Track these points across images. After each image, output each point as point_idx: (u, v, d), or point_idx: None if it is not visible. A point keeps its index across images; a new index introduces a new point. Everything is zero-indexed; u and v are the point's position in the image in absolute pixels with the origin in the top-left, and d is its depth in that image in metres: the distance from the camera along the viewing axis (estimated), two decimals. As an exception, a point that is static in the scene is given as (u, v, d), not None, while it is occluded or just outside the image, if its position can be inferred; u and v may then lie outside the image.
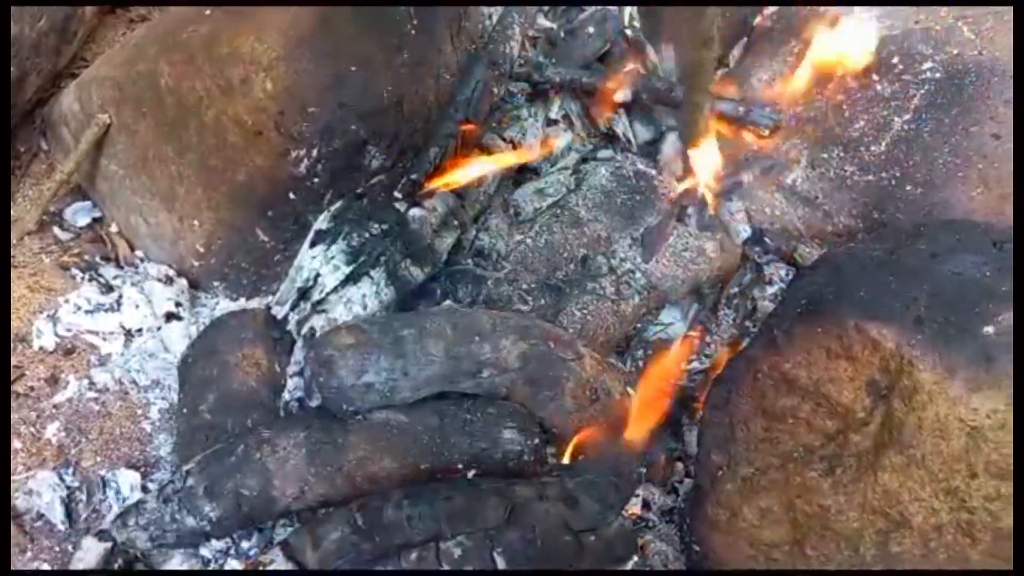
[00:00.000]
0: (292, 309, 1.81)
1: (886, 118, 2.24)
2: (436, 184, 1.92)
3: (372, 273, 1.83)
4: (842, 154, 2.26)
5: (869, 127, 2.25)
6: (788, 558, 1.57)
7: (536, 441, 1.77)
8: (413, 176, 1.86)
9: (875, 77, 2.28)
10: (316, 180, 1.98)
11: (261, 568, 1.55)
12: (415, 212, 1.90)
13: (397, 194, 1.87)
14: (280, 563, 1.54)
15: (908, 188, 2.17)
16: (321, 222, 1.87)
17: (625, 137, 2.33)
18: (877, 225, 2.21)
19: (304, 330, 1.78)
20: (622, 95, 2.28)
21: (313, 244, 1.85)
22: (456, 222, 1.99)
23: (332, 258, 1.82)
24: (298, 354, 1.76)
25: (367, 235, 1.84)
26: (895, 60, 2.28)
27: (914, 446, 1.38)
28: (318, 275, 1.81)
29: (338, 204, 1.89)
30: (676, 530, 1.83)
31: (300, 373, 1.76)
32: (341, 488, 1.66)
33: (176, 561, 1.69)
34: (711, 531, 1.67)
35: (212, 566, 1.69)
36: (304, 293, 1.81)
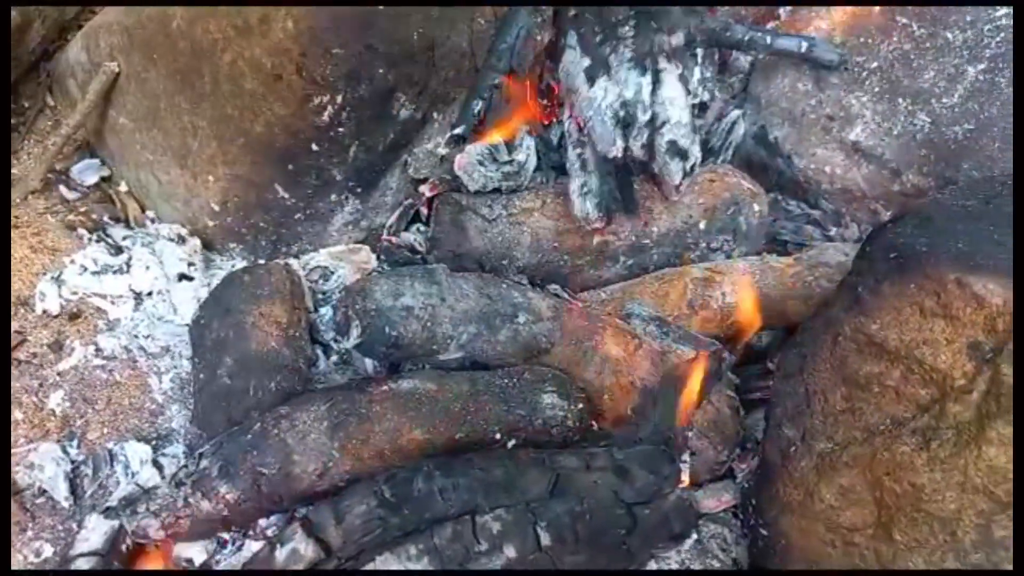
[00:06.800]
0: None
1: (958, 67, 2.06)
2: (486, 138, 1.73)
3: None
4: (911, 107, 2.08)
5: (940, 77, 2.07)
6: (871, 543, 1.40)
7: (579, 406, 1.62)
8: (457, 131, 1.68)
9: (944, 24, 2.10)
10: (341, 130, 1.83)
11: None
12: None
13: (442, 151, 1.68)
14: (300, 540, 1.38)
15: (984, 142, 2.00)
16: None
17: None
18: (949, 183, 2.03)
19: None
20: (676, 39, 2.07)
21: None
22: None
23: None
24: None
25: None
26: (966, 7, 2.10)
27: (1026, 415, 1.21)
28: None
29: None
30: (736, 510, 1.65)
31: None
32: (369, 464, 1.53)
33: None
34: (782, 513, 1.50)
35: (229, 547, 1.54)
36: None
